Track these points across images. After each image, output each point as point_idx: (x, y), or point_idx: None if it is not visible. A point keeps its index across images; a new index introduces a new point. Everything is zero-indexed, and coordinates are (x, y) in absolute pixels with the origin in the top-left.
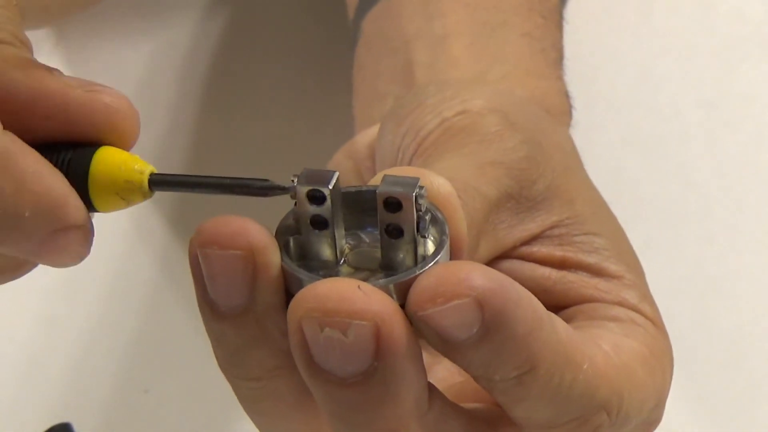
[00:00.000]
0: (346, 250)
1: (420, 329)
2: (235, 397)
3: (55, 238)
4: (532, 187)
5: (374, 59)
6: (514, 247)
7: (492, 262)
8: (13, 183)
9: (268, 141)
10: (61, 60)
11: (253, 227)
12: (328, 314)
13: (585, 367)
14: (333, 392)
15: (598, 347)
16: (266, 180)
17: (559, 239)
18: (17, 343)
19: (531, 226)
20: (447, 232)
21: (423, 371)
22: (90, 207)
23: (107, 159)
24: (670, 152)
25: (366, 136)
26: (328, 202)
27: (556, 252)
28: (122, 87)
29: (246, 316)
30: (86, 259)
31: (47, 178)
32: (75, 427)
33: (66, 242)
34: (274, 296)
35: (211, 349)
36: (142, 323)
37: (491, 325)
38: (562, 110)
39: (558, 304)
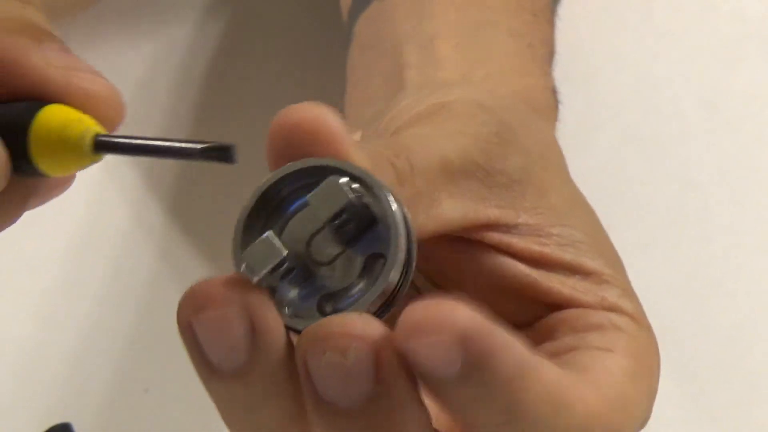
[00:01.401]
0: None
1: (410, 364)
2: None
3: None
4: (504, 162)
5: (366, 61)
6: (493, 228)
7: (474, 249)
8: None
9: (265, 142)
10: None
11: (242, 281)
12: (327, 338)
13: (578, 408)
14: (338, 425)
15: (589, 384)
16: (211, 142)
17: (537, 230)
18: (17, 343)
19: (504, 204)
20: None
21: (424, 406)
22: (34, 169)
23: (51, 117)
24: (670, 152)
25: None
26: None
27: (535, 246)
28: (121, 87)
29: (254, 370)
30: (86, 258)
31: None
32: (75, 427)
33: None
34: (280, 343)
35: None
36: (142, 323)
37: (473, 364)
38: (547, 105)
39: (537, 305)
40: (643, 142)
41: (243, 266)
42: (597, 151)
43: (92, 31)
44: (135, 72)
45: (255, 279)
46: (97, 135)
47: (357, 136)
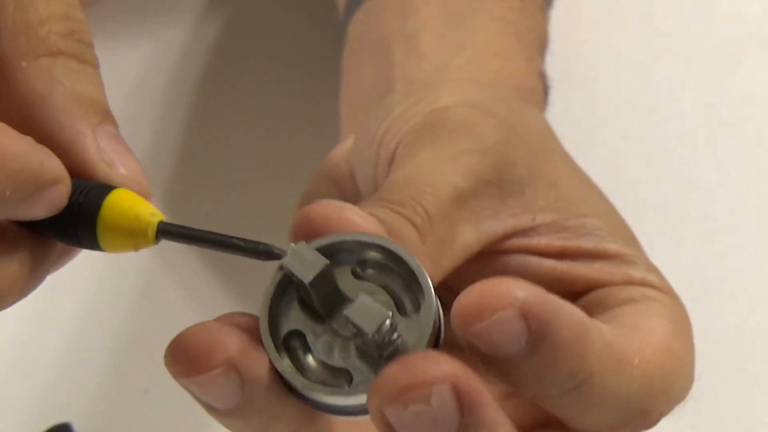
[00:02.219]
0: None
1: (471, 350)
2: None
3: (33, 198)
4: (513, 169)
5: (358, 62)
6: (512, 236)
7: (497, 257)
8: None
9: (261, 143)
10: None
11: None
12: (406, 389)
13: (636, 361)
14: None
15: (642, 336)
16: (268, 245)
17: (555, 226)
18: (16, 343)
19: (518, 211)
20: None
21: (505, 417)
22: (96, 246)
23: (119, 202)
24: (670, 152)
25: (341, 151)
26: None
27: (555, 242)
28: (119, 86)
29: (248, 409)
30: (85, 257)
31: (23, 155)
32: (75, 427)
33: (43, 199)
34: (267, 388)
35: None
36: (142, 323)
37: (538, 334)
38: (532, 88)
39: (568, 293)
40: (643, 142)
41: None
42: (597, 151)
43: (91, 30)
44: (133, 71)
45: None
46: (161, 222)
47: (350, 140)
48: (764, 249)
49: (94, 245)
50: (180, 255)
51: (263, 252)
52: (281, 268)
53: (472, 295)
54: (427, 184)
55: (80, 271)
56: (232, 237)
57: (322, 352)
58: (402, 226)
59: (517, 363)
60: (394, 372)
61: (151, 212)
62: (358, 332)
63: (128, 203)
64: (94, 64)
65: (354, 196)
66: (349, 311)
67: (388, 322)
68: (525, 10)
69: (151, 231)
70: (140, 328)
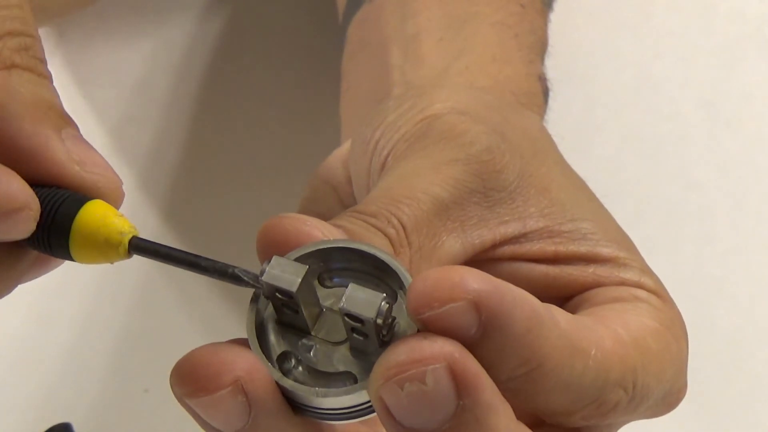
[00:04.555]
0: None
1: (423, 327)
2: None
3: None
4: (499, 177)
5: (357, 64)
6: (503, 244)
7: (489, 265)
8: None
9: (262, 142)
10: (61, 60)
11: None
12: (402, 368)
13: (593, 352)
14: None
15: (606, 327)
16: (239, 268)
17: (547, 232)
18: (16, 343)
19: (508, 218)
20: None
21: (504, 400)
22: (67, 255)
23: (93, 214)
24: (670, 152)
25: (339, 155)
26: (297, 299)
27: (548, 247)
28: (120, 86)
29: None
30: None
31: None
32: (75, 427)
33: (4, 227)
34: (273, 409)
35: None
36: (142, 323)
37: (489, 325)
38: (532, 92)
39: (562, 297)
40: (643, 142)
41: (261, 269)
42: (597, 151)
43: (92, 30)
44: (134, 71)
45: (258, 288)
46: (134, 237)
47: (347, 144)
48: (764, 249)
49: (66, 256)
50: None
51: (232, 276)
52: (254, 298)
53: (426, 283)
54: (404, 196)
55: (80, 273)
56: (202, 258)
57: (319, 363)
58: (374, 237)
59: (469, 346)
60: (390, 352)
61: (124, 227)
62: (358, 322)
63: (101, 217)
64: (48, 78)
65: (351, 200)
66: (345, 303)
67: (384, 302)
68: (524, 14)
69: (123, 247)
70: (140, 329)
